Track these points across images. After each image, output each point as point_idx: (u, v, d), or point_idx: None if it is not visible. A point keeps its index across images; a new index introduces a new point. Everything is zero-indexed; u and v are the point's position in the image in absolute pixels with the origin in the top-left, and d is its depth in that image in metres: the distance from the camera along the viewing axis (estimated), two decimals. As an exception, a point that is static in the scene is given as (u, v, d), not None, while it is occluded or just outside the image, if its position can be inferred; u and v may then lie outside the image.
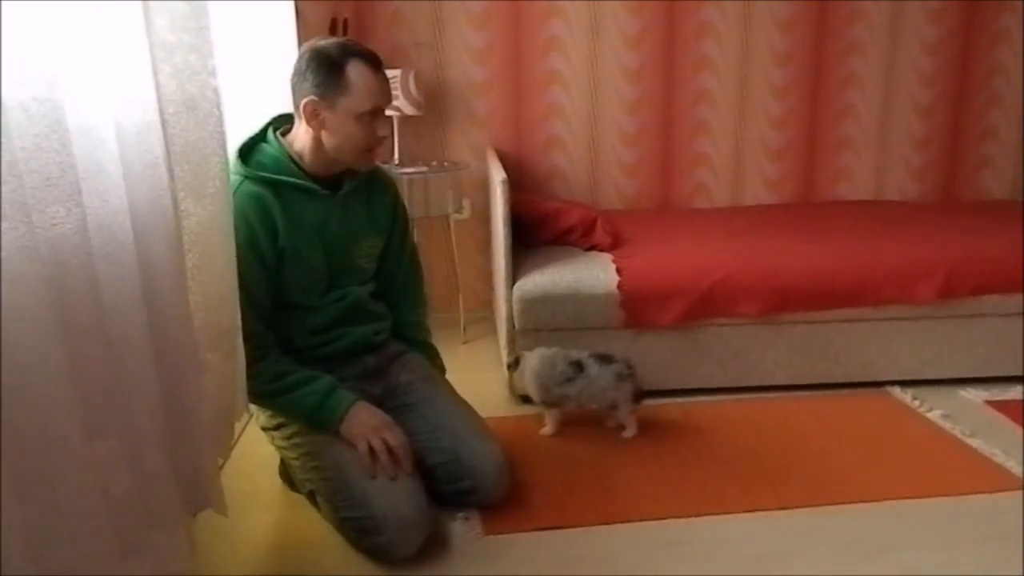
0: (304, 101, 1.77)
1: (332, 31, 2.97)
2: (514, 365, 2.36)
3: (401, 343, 2.08)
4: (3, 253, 0.88)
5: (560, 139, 3.34)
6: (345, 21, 2.99)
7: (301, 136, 1.84)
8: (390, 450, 1.74)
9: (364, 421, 1.79)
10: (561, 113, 3.32)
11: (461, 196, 3.24)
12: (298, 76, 1.78)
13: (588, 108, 3.32)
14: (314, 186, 1.84)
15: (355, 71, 1.76)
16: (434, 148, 3.27)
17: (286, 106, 2.49)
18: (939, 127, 3.48)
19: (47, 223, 1.02)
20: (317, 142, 1.82)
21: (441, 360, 2.16)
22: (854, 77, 3.40)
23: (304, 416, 1.82)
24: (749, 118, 3.40)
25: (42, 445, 0.94)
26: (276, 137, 1.86)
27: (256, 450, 2.19)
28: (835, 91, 3.41)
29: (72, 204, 1.06)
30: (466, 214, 3.24)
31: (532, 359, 2.27)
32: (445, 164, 3.20)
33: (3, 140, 0.87)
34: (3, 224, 0.88)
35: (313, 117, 1.78)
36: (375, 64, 1.79)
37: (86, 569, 1.05)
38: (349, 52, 1.77)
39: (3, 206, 0.87)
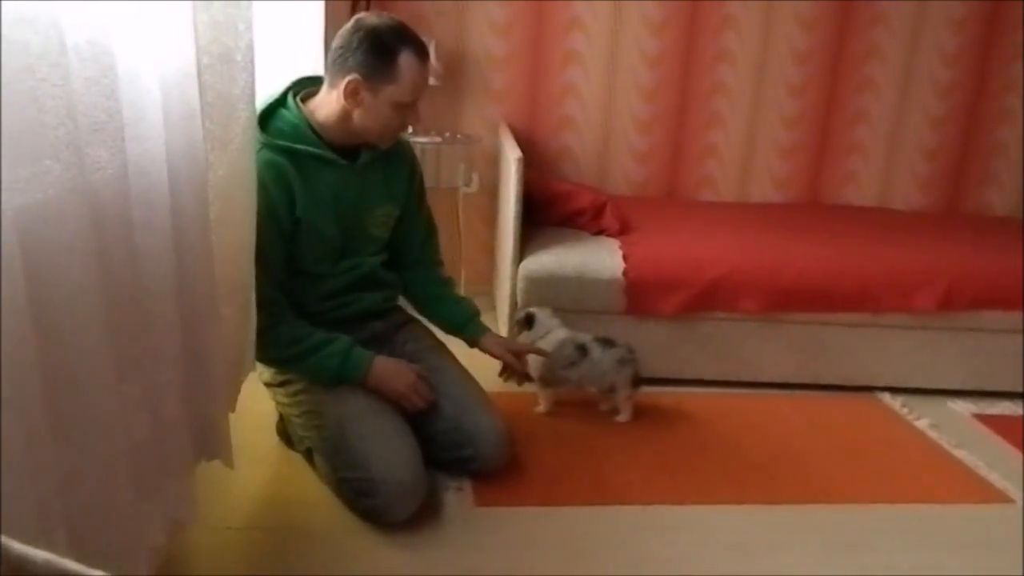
0: (348, 78, 1.74)
1: (356, -2, 2.95)
2: (525, 324, 2.35)
3: (428, 303, 2.15)
4: (55, 194, 0.89)
5: (573, 120, 3.34)
6: (370, -15, 2.96)
7: (329, 105, 1.81)
8: (415, 390, 1.87)
9: (387, 371, 1.86)
10: (577, 94, 3.32)
11: (471, 169, 3.24)
12: (346, 50, 1.75)
13: (604, 91, 3.32)
14: (333, 156, 1.84)
15: (406, 61, 1.74)
16: (448, 119, 3.27)
17: (307, 68, 2.49)
18: (949, 139, 3.51)
19: (92, 166, 1.03)
20: (345, 115, 1.80)
21: (476, 306, 2.19)
22: (870, 82, 3.41)
23: (327, 377, 1.84)
24: (762, 114, 3.41)
25: (77, 384, 0.96)
26: (296, 103, 1.83)
27: (254, 407, 2.21)
28: (850, 94, 3.42)
29: (116, 149, 1.07)
30: (474, 188, 3.24)
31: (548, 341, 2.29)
32: (458, 136, 3.20)
33: (61, 83, 0.88)
34: (57, 166, 0.89)
35: (352, 95, 1.76)
36: (424, 56, 1.79)
37: (104, 510, 1.07)
38: (403, 40, 1.75)
39: (60, 148, 0.88)
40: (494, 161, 3.27)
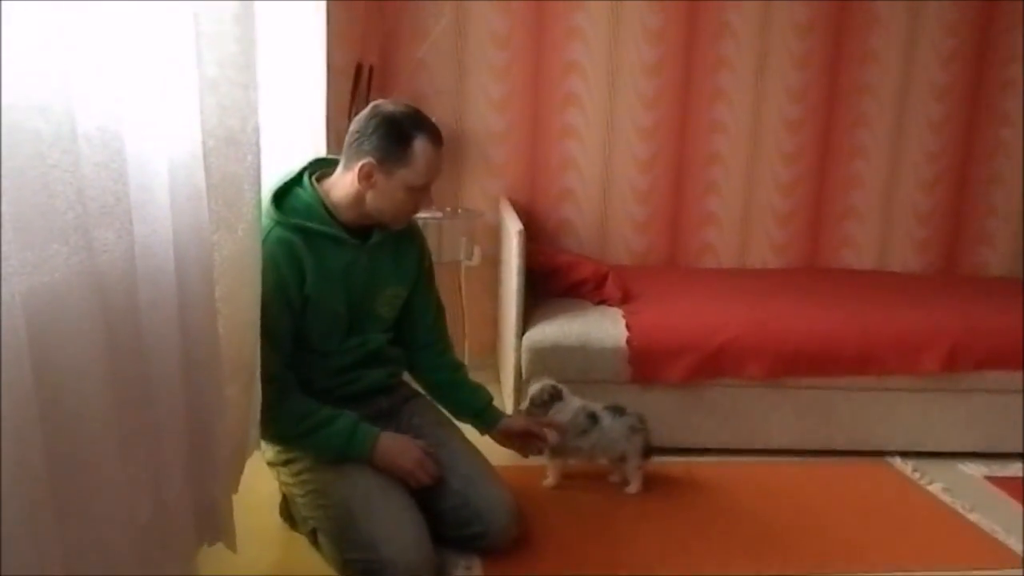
0: (362, 162, 1.78)
1: (357, 76, 3.04)
2: (550, 399, 2.25)
3: (443, 389, 2.13)
4: (62, 276, 0.90)
5: (572, 192, 3.40)
6: (371, 67, 3.05)
7: (343, 187, 1.84)
8: (421, 466, 1.85)
9: (393, 447, 1.85)
10: (575, 167, 3.38)
11: (473, 243, 3.28)
12: (361, 135, 1.79)
13: (602, 163, 3.38)
14: (344, 235, 1.86)
15: (420, 146, 1.79)
16: (449, 194, 3.32)
17: (313, 147, 2.54)
18: (942, 202, 3.56)
19: (99, 248, 1.04)
20: (359, 197, 1.83)
21: (489, 393, 2.17)
22: (861, 148, 3.48)
23: (332, 454, 1.83)
24: (758, 182, 3.47)
25: (82, 466, 0.95)
26: (312, 183, 1.87)
27: (256, 486, 2.17)
28: (843, 161, 3.49)
29: (123, 231, 1.09)
30: (476, 261, 3.27)
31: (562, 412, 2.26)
32: (459, 211, 3.25)
33: (71, 168, 0.90)
34: (65, 249, 0.90)
35: (366, 178, 1.79)
36: (438, 142, 1.83)
37: (106, 596, 1.05)
38: (418, 126, 1.80)
39: (69, 232, 0.89)
40: (495, 234, 3.31)
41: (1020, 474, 2.56)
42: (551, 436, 2.18)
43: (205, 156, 1.35)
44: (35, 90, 0.88)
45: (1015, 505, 2.34)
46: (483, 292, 3.38)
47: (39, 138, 0.87)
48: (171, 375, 1.24)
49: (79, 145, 0.95)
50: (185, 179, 1.28)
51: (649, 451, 2.29)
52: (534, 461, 2.28)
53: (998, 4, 3.38)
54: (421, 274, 2.06)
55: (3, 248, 0.80)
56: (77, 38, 0.99)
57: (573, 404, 2.27)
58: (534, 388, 2.28)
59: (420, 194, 1.84)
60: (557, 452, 2.28)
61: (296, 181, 1.88)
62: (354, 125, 1.82)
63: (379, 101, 1.85)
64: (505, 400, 2.72)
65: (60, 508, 0.91)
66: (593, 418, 2.25)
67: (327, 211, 1.85)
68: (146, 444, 1.17)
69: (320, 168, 1.91)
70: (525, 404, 2.28)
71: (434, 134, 1.82)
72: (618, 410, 2.28)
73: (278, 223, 1.80)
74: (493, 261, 3.31)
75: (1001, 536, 2.15)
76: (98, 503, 0.99)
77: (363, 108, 2.94)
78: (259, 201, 1.64)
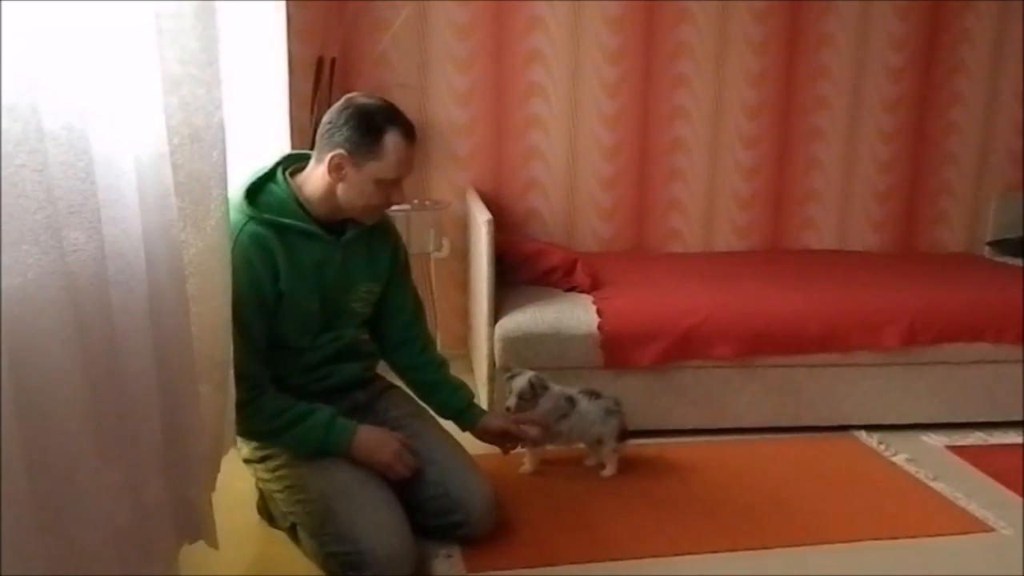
0: (332, 153, 1.77)
1: (319, 70, 3.02)
2: (533, 390, 2.25)
3: (425, 389, 2.13)
4: (33, 277, 0.89)
5: (539, 182, 3.41)
6: (333, 60, 3.03)
7: (315, 180, 1.84)
8: (400, 459, 1.85)
9: (370, 440, 1.85)
10: (541, 156, 3.39)
11: (441, 235, 3.28)
12: (332, 126, 1.78)
13: (567, 152, 3.40)
14: (318, 230, 1.85)
15: (392, 140, 1.78)
16: (416, 187, 3.31)
17: (276, 142, 2.52)
18: (898, 182, 3.64)
19: (69, 248, 1.03)
20: (331, 191, 1.82)
21: (470, 391, 2.17)
22: (819, 131, 3.55)
23: (310, 449, 1.82)
24: (720, 167, 3.52)
25: (60, 471, 0.94)
26: (285, 178, 1.86)
27: (232, 485, 2.15)
28: (802, 144, 3.55)
29: (92, 231, 1.08)
30: (445, 252, 3.27)
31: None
32: (427, 203, 3.24)
33: (42, 167, 0.89)
34: (35, 250, 0.89)
35: (336, 170, 1.79)
36: (411, 136, 1.82)
37: (88, 599, 1.04)
38: (391, 120, 1.79)
39: (39, 232, 0.88)
40: (463, 226, 3.31)
41: (979, 442, 2.65)
42: (531, 432, 2.19)
43: (171, 154, 1.33)
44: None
45: (976, 472, 2.42)
46: (452, 283, 3.39)
47: (7, 138, 0.86)
48: (145, 376, 1.23)
49: (46, 144, 0.94)
50: (152, 177, 1.27)
51: (626, 435, 2.32)
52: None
53: (947, -13, 3.47)
54: (396, 270, 2.06)
55: (-25, 250, 0.79)
56: (39, 37, 0.98)
57: (554, 390, 2.29)
58: (519, 382, 2.25)
59: (391, 188, 1.84)
60: (537, 440, 2.30)
61: (269, 176, 1.86)
62: (326, 117, 1.81)
63: (352, 94, 1.84)
64: (479, 389, 2.73)
65: (41, 516, 0.91)
66: (571, 401, 2.28)
67: (300, 206, 1.84)
68: (122, 446, 1.16)
69: (293, 163, 1.90)
70: (511, 400, 2.24)
71: (407, 128, 1.82)
72: (594, 394, 2.31)
73: (251, 218, 1.79)
74: (462, 252, 3.32)
75: (963, 503, 2.23)
76: (76, 508, 0.99)
77: (325, 102, 2.95)
78: (226, 198, 1.62)
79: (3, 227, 0.86)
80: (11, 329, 0.89)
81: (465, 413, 2.13)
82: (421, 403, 2.13)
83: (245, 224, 1.77)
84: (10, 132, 0.87)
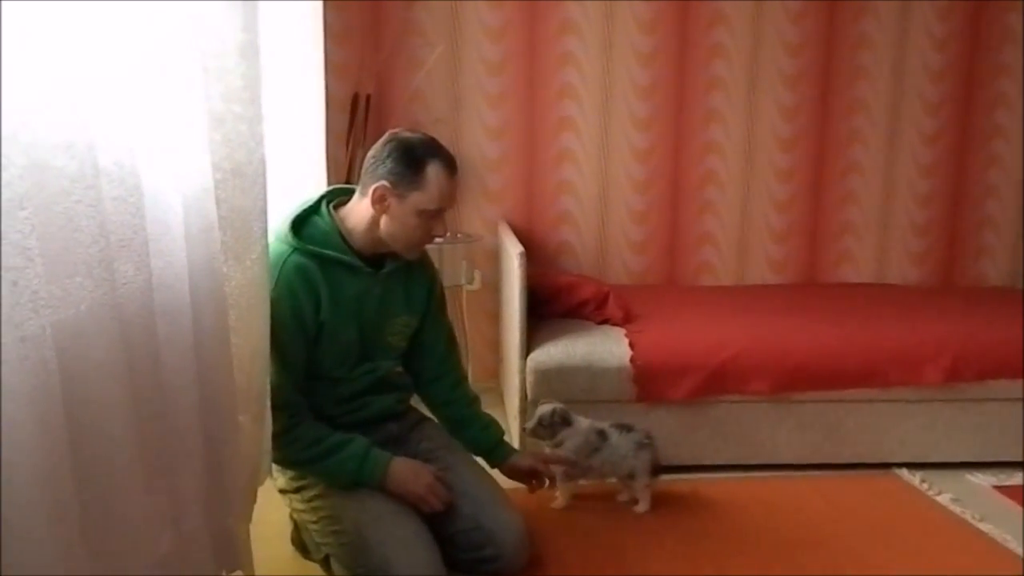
0: (376, 185, 1.81)
1: (354, 107, 3.08)
2: (558, 424, 2.26)
3: (456, 424, 2.13)
4: (86, 309, 0.92)
5: (571, 215, 3.43)
6: (368, 97, 3.10)
7: (359, 213, 1.87)
8: (433, 491, 1.85)
9: (404, 472, 1.85)
10: (572, 190, 3.41)
11: (473, 267, 3.30)
12: (376, 160, 1.83)
13: (598, 186, 3.42)
14: (359, 263, 1.88)
15: (434, 171, 1.81)
16: (449, 219, 3.32)
17: (313, 177, 2.57)
18: (938, 215, 3.60)
19: (119, 281, 1.06)
20: (374, 223, 1.85)
21: (500, 428, 2.17)
22: (856, 164, 3.52)
23: (345, 479, 1.83)
24: (754, 200, 3.51)
25: (107, 498, 0.96)
26: (329, 210, 1.90)
27: (267, 516, 2.17)
28: (837, 177, 3.53)
29: (141, 264, 1.11)
30: (477, 285, 3.29)
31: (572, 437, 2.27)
32: (459, 235, 3.27)
33: (96, 202, 0.92)
34: (89, 282, 0.92)
35: (379, 201, 1.82)
36: (452, 168, 1.86)
37: (129, 628, 1.05)
38: (433, 152, 1.83)
39: (93, 265, 0.91)
40: (495, 258, 3.33)
41: (1025, 482, 2.57)
42: (557, 472, 2.21)
43: (215, 189, 1.37)
44: (59, 128, 0.90)
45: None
46: (484, 316, 3.40)
47: (64, 175, 0.89)
48: (189, 407, 1.25)
49: (100, 181, 0.97)
50: (197, 212, 1.30)
51: (658, 470, 2.29)
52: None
53: (984, 17, 3.45)
54: (432, 305, 2.08)
55: (33, 282, 0.81)
56: (94, 76, 1.02)
57: (582, 426, 2.28)
58: (544, 409, 2.28)
59: (433, 220, 1.87)
60: (570, 474, 2.29)
61: (314, 209, 1.90)
62: (371, 152, 1.86)
63: (395, 129, 1.90)
64: (510, 422, 2.72)
65: (90, 542, 0.92)
66: (602, 435, 2.26)
67: (343, 239, 1.88)
68: (165, 475, 1.18)
69: (338, 197, 1.94)
70: (532, 423, 2.28)
71: (448, 161, 1.85)
72: (625, 427, 2.29)
73: (295, 249, 1.82)
74: (493, 285, 3.33)
75: (1012, 545, 2.16)
76: (122, 534, 1.00)
77: (360, 138, 3.00)
78: (266, 232, 1.66)
79: (60, 260, 0.88)
80: (64, 359, 0.91)
81: (494, 450, 2.13)
82: (454, 438, 2.13)
83: (290, 255, 1.81)
84: (67, 169, 0.90)
